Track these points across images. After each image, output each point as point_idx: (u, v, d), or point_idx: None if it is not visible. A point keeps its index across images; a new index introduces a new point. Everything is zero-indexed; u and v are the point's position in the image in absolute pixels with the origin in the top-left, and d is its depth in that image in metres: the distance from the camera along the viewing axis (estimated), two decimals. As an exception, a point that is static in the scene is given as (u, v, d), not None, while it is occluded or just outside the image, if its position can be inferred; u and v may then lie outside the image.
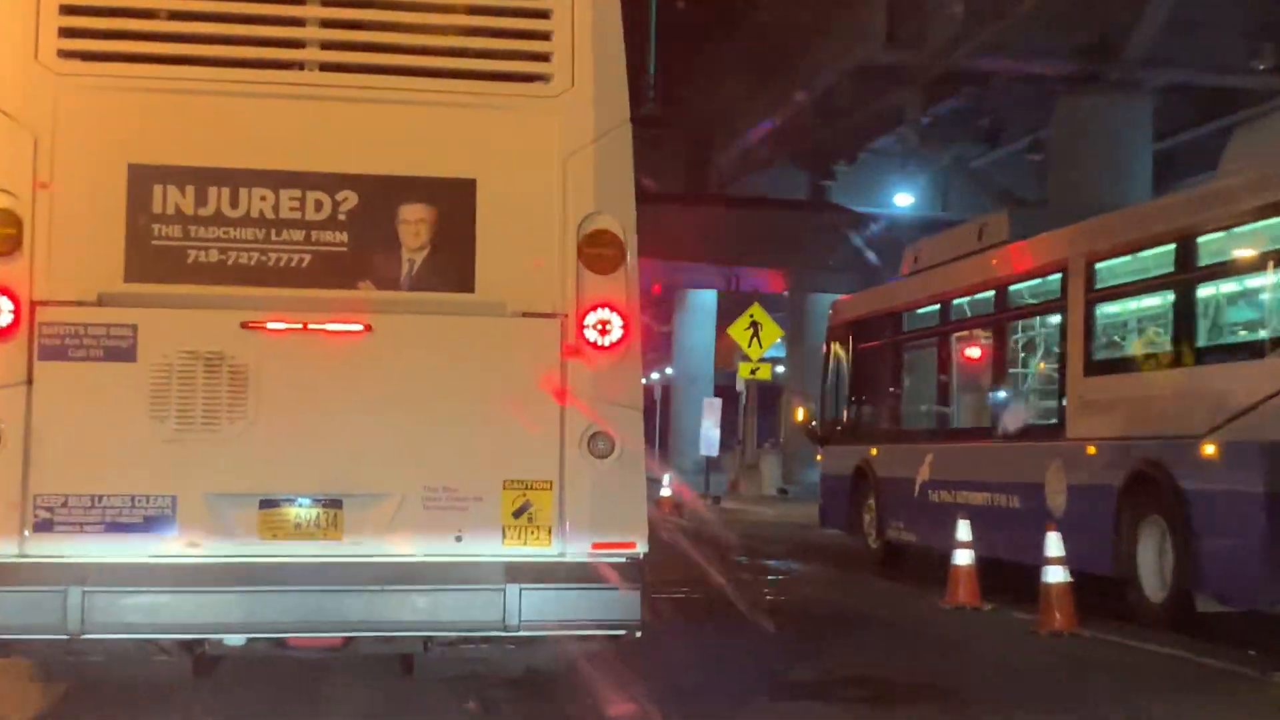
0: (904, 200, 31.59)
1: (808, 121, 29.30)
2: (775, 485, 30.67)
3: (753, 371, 23.61)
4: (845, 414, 16.16)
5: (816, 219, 32.38)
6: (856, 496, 15.29)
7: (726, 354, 32.37)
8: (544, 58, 5.91)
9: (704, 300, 41.61)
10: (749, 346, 22.82)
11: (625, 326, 5.77)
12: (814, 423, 16.86)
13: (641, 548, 5.73)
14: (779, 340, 24.51)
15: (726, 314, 46.09)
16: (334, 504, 5.55)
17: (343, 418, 5.59)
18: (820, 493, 17.11)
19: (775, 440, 36.53)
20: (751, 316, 22.86)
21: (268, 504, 5.51)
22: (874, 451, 15.04)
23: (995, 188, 28.60)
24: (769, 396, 38.11)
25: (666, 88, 32.41)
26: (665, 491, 22.74)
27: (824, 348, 16.94)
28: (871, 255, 30.31)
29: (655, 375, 43.28)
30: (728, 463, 33.40)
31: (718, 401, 25.84)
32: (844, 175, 32.05)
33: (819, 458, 17.33)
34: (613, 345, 5.76)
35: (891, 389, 15.14)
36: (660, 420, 39.53)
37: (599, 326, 5.75)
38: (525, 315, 5.75)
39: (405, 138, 5.79)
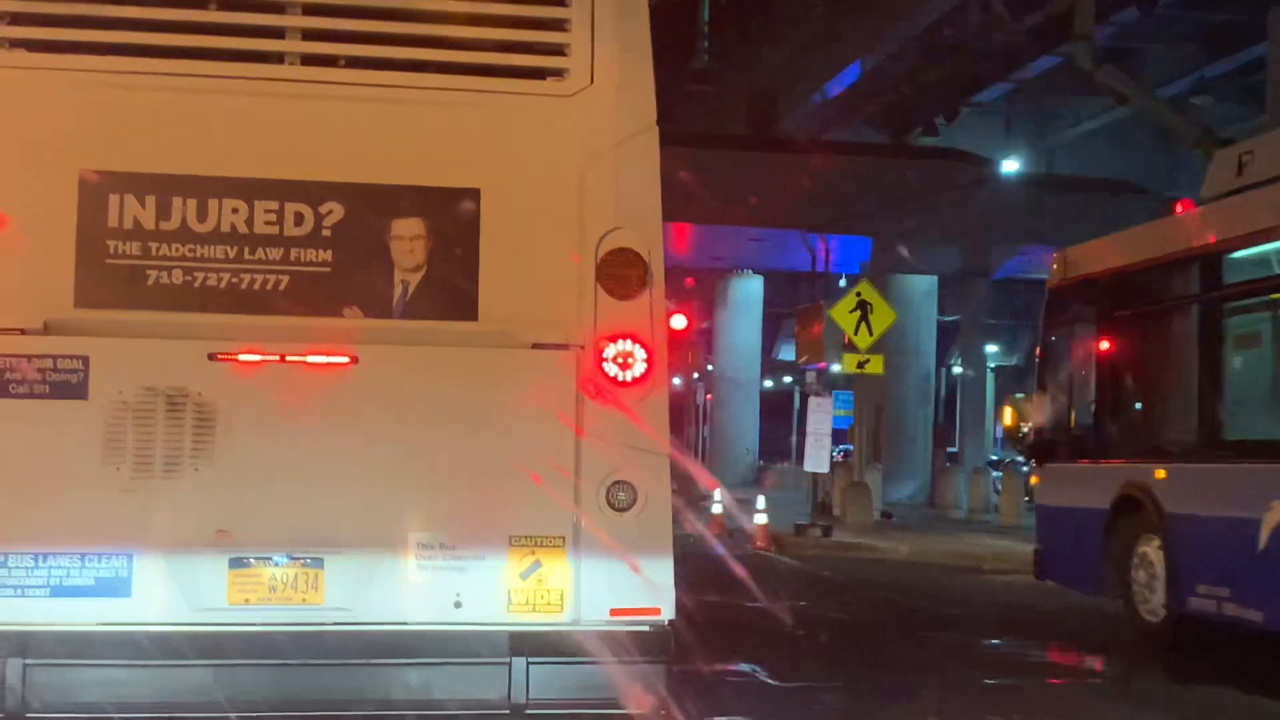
0: (1010, 166, 30.89)
1: (901, 68, 28.48)
2: (878, 509, 29.55)
3: (861, 365, 21.42)
4: (1091, 417, 12.46)
5: (939, 171, 28.89)
6: (1116, 540, 11.47)
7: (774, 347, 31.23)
8: (559, 50, 5.76)
9: (749, 290, 41.03)
10: (856, 333, 20.86)
11: (649, 359, 5.66)
12: (1025, 429, 13.30)
13: (667, 614, 5.62)
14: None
15: (772, 305, 45.71)
16: (314, 563, 5.46)
17: (325, 464, 5.49)
18: (1040, 530, 13.49)
19: (845, 453, 35.73)
20: (859, 295, 21.00)
21: (238, 563, 5.43)
22: (1160, 474, 11.06)
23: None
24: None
25: (722, 37, 31.01)
26: (717, 508, 21.86)
27: (1043, 319, 13.47)
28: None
29: (692, 376, 43.00)
30: (801, 480, 32.93)
31: (828, 401, 22.70)
32: (944, 133, 31.12)
33: (1033, 481, 14.43)
34: (635, 381, 5.64)
35: (1199, 378, 10.79)
36: (695, 425, 39.27)
37: (620, 360, 5.64)
38: (535, 347, 5.64)
39: (399, 141, 5.67)
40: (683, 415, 38.16)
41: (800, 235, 30.80)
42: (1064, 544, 12.61)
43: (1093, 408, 12.47)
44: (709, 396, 43.41)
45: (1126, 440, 11.94)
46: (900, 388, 32.22)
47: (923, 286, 33.72)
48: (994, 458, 37.44)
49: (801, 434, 26.78)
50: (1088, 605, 12.69)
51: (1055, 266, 13.32)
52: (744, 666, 9.72)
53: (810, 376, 25.79)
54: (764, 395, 46.69)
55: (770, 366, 51.85)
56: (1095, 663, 11.15)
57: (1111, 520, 11.52)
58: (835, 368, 25.79)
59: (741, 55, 32.44)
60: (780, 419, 51.06)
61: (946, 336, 39.42)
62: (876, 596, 15.16)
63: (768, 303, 42.83)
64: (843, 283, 32.04)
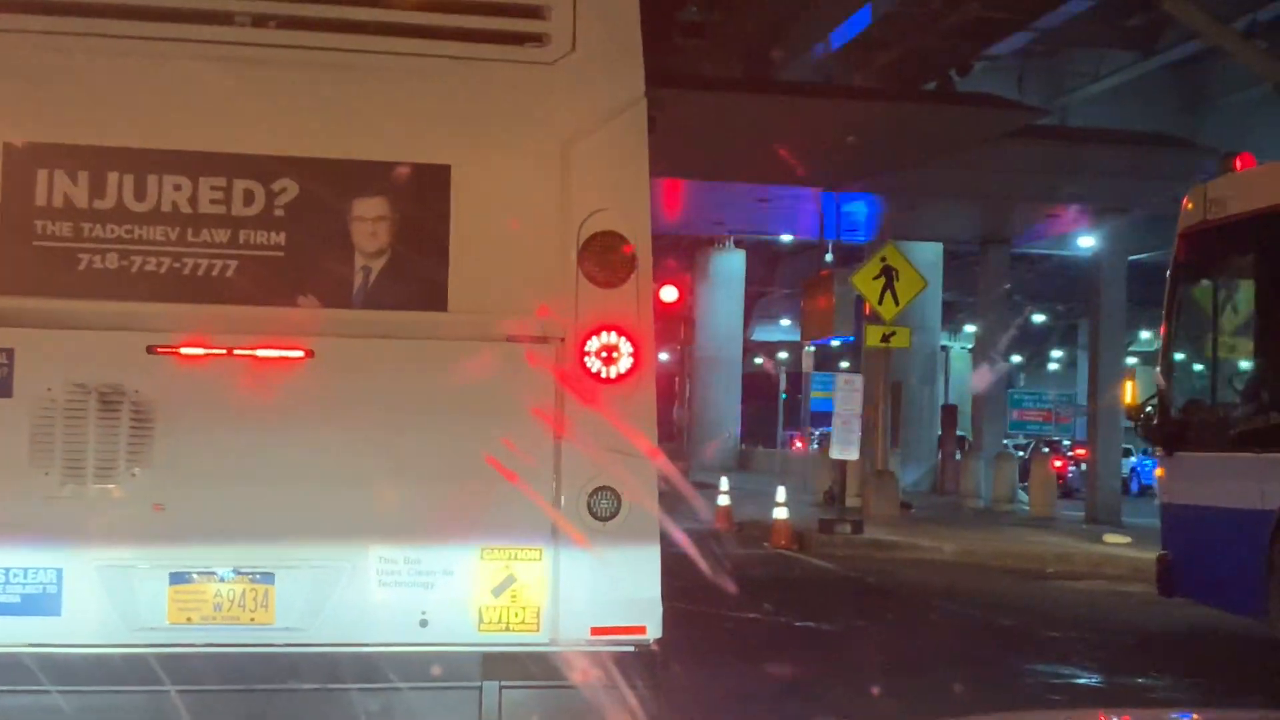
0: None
1: (913, 15, 28.04)
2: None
3: (886, 338, 20.38)
4: (1246, 393, 11.17)
5: (969, 120, 26.86)
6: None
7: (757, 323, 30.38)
8: (537, 13, 5.66)
9: (730, 265, 41.22)
10: (880, 302, 20.09)
11: (636, 353, 5.59)
12: (1149, 410, 11.79)
13: (654, 633, 5.57)
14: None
15: (761, 280, 45.53)
16: (264, 578, 5.39)
17: (277, 469, 5.41)
18: (1169, 535, 11.95)
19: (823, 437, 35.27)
20: (884, 260, 20.37)
21: (180, 578, 5.35)
22: None
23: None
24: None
25: None
26: (723, 499, 21.36)
27: (1174, 271, 11.80)
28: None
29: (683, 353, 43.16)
30: (797, 466, 32.78)
31: (858, 378, 21.71)
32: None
33: (1158, 474, 12.62)
34: (620, 377, 5.58)
35: None
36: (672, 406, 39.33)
37: (603, 353, 5.57)
38: (511, 339, 5.57)
39: (361, 113, 5.57)
40: (671, 397, 38.33)
41: (813, 195, 30.13)
42: (1206, 554, 11.12)
43: (1249, 382, 10.94)
44: (678, 378, 43.55)
45: None
46: (903, 366, 32.17)
47: (928, 256, 33.67)
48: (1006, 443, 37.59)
49: (788, 415, 26.15)
50: (1208, 623, 11.43)
51: (1191, 205, 11.71)
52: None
53: (786, 355, 25.26)
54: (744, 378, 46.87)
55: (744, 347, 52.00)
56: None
57: (1276, 529, 10.06)
58: (832, 343, 25.24)
59: (735, 2, 32.04)
60: (757, 401, 51.25)
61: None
62: (943, 610, 13.92)
63: (753, 280, 43.03)
64: (829, 257, 31.61)
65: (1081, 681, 10.63)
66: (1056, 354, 68.02)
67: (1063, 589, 16.29)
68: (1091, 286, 29.41)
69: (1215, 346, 11.46)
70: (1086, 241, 35.97)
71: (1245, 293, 11.26)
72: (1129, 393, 12.37)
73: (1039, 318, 54.15)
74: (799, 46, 30.79)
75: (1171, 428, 11.54)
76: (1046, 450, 35.34)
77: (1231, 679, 10.50)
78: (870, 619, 13.05)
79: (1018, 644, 12.05)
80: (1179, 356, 11.83)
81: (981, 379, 33.55)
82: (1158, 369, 11.90)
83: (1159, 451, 11.98)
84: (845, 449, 21.11)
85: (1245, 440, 10.66)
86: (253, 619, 5.40)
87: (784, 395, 66.89)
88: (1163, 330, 11.93)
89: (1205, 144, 25.49)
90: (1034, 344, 60.55)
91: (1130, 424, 12.89)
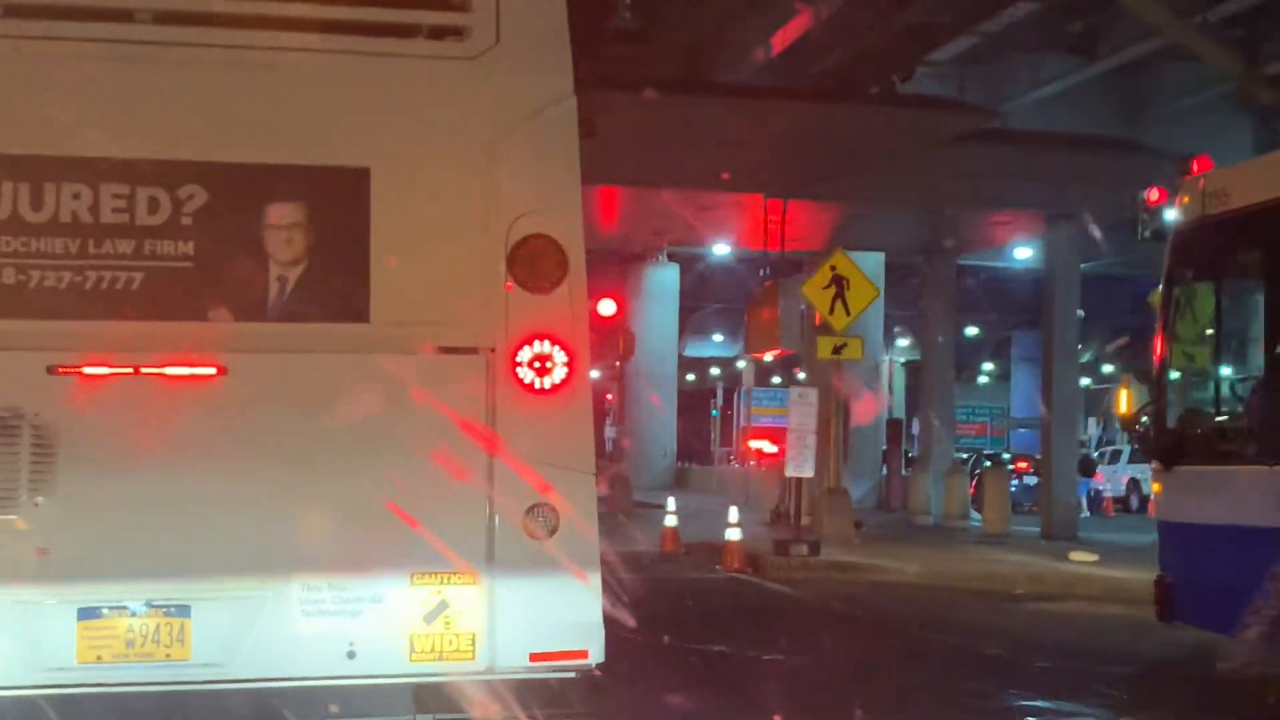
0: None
1: (858, 18, 27.93)
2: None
3: (837, 349, 20.07)
4: (1257, 402, 10.45)
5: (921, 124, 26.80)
6: None
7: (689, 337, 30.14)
8: (458, 4, 5.59)
9: (665, 279, 41.37)
10: (831, 312, 19.81)
11: (571, 363, 5.54)
12: (1143, 421, 11.16)
13: (596, 658, 5.52)
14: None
15: (694, 295, 45.77)
16: (179, 611, 5.27)
17: (190, 494, 5.28)
18: (1169, 557, 11.21)
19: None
20: (834, 269, 20.01)
21: (89, 613, 5.21)
22: None
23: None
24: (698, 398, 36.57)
25: None
26: (670, 520, 20.98)
27: (1169, 270, 11.20)
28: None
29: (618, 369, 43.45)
30: (736, 483, 32.59)
31: (812, 393, 21.12)
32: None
33: (1155, 489, 12.03)
34: (555, 388, 5.52)
35: None
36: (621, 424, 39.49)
37: (536, 363, 5.52)
38: (439, 351, 5.49)
39: (272, 113, 5.47)
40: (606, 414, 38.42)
41: (756, 203, 29.98)
42: (1213, 576, 10.40)
43: (1261, 388, 10.26)
44: (610, 398, 43.69)
45: None
46: (846, 379, 32.18)
47: (870, 267, 33.72)
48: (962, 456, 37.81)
49: (724, 432, 25.85)
50: (1206, 648, 10.68)
51: (1186, 199, 11.02)
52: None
53: (738, 367, 25.14)
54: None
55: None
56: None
57: None
58: (766, 358, 24.83)
59: (672, 8, 31.96)
60: (689, 417, 51.64)
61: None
62: (921, 639, 13.28)
63: (688, 294, 43.30)
64: (764, 272, 31.61)
65: (1068, 709, 10.26)
66: (988, 367, 68.69)
67: (1040, 612, 15.84)
68: (1044, 296, 29.52)
69: (1219, 351, 10.84)
70: (1023, 253, 36.25)
71: (1253, 292, 10.63)
72: (1124, 403, 11.25)
73: (972, 330, 54.65)
74: (737, 53, 30.85)
75: (1170, 440, 10.87)
76: (988, 464, 35.57)
77: (1246, 714, 10.01)
78: (844, 651, 12.48)
79: (1009, 676, 11.52)
80: (1177, 363, 11.11)
81: (929, 392, 33.66)
82: (1157, 378, 11.24)
83: (1156, 465, 11.27)
84: (800, 466, 20.64)
85: (1258, 452, 9.96)
86: (168, 655, 5.27)
87: (715, 412, 67.31)
88: (1157, 335, 11.32)
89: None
90: (965, 357, 61.19)
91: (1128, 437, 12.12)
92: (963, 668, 11.68)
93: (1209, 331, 10.78)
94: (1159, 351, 11.07)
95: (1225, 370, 10.69)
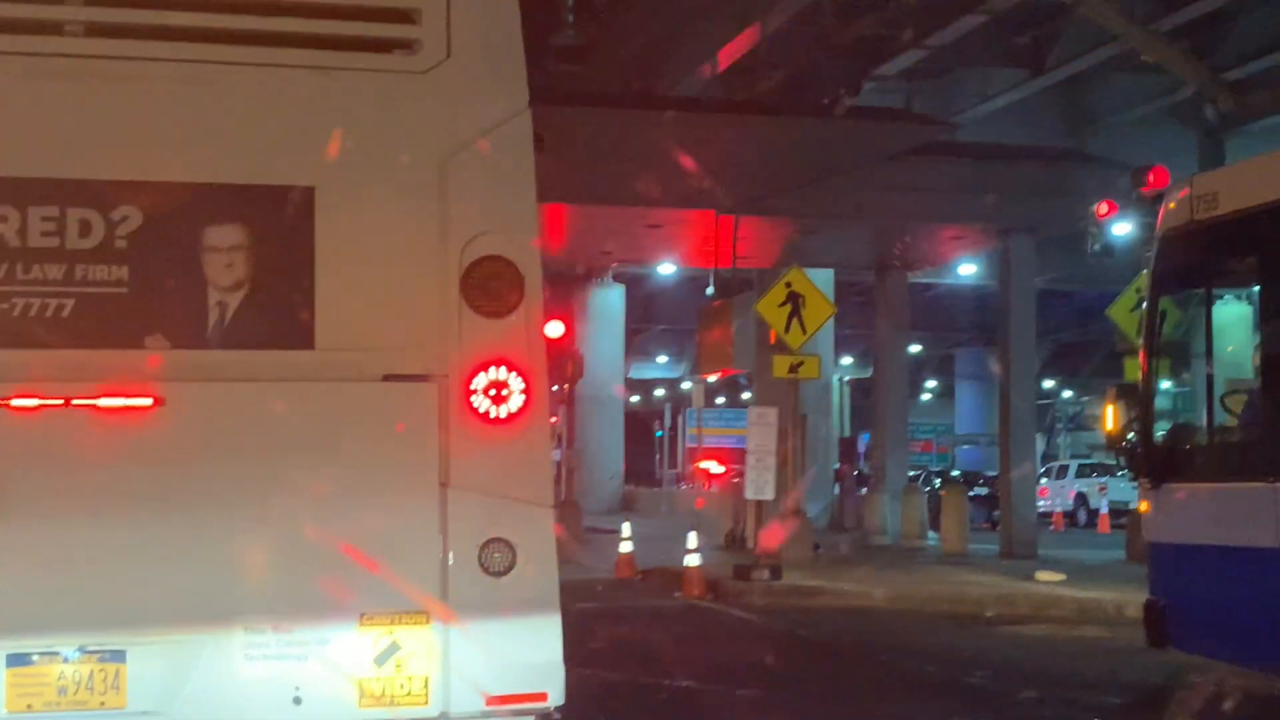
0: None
1: (805, 33, 27.91)
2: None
3: (794, 368, 19.91)
4: (1255, 414, 10.18)
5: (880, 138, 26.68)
6: None
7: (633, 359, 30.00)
8: (407, 16, 5.44)
9: (610, 300, 41.76)
10: (787, 331, 19.75)
11: (528, 390, 5.40)
12: (1129, 438, 10.77)
13: (555, 699, 5.39)
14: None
15: (638, 316, 45.95)
16: (114, 656, 5.09)
17: (125, 532, 5.10)
18: (1162, 579, 10.74)
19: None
20: (789, 286, 19.95)
21: (18, 659, 5.03)
22: None
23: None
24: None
25: (592, 4, 30.03)
26: (626, 546, 20.71)
27: (1157, 276, 10.85)
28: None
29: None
30: (686, 506, 32.38)
31: (771, 412, 21.12)
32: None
33: (1143, 508, 11.40)
34: (511, 417, 5.37)
35: None
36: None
37: (492, 391, 5.37)
38: (388, 379, 5.34)
39: (212, 131, 5.31)
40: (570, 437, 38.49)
41: (713, 219, 29.77)
42: (1211, 600, 10.00)
43: (1259, 401, 9.95)
44: (555, 420, 43.79)
45: None
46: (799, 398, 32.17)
47: (819, 284, 33.76)
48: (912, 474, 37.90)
49: (671, 454, 25.70)
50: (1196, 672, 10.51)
51: (1173, 205, 10.61)
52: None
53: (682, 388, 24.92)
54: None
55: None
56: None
57: None
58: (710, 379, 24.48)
59: (617, 24, 31.89)
60: (634, 439, 51.96)
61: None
62: (898, 668, 12.88)
63: (634, 314, 43.47)
64: (710, 290, 31.46)
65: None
66: (931, 384, 69.17)
67: (1015, 636, 15.61)
68: (999, 313, 29.55)
69: (1211, 362, 10.26)
70: (968, 270, 36.35)
71: (1248, 298, 10.39)
72: (1110, 419, 10.79)
73: (914, 347, 54.97)
74: (683, 69, 30.80)
75: (1159, 456, 10.47)
76: (939, 482, 35.57)
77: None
78: (822, 684, 12.10)
79: (1000, 709, 11.10)
80: (1165, 375, 10.80)
81: (882, 409, 33.65)
82: (1138, 388, 10.93)
83: (1144, 483, 10.82)
84: (761, 488, 20.46)
85: (1257, 467, 9.57)
86: (102, 703, 5.10)
87: (660, 433, 67.43)
88: (1143, 347, 11.01)
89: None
90: (908, 374, 61.81)
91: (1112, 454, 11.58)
92: (949, 700, 11.36)
93: (1199, 341, 10.36)
94: (1146, 364, 10.76)
95: (1218, 382, 10.24)
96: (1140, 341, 11.02)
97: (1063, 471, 45.29)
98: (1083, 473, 44.88)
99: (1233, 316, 10.45)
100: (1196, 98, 24.95)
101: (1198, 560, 10.12)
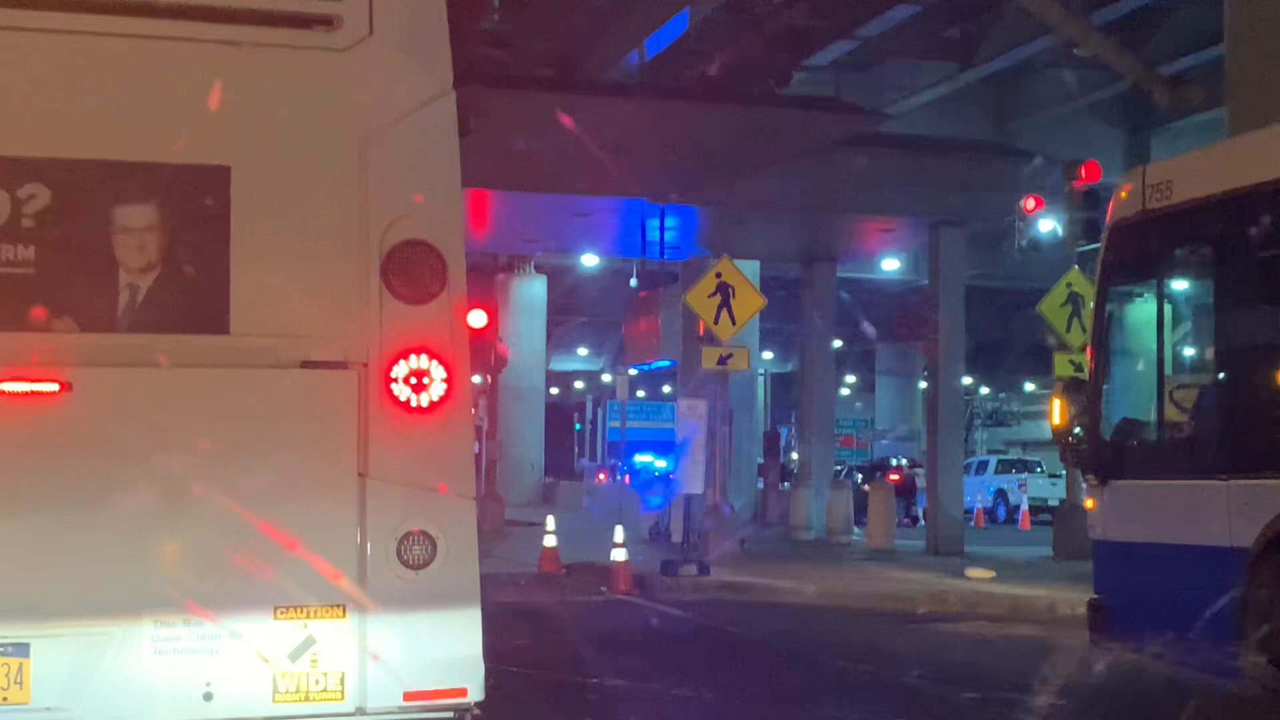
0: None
1: (733, 21, 27.89)
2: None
3: (723, 360, 20.10)
4: (1205, 411, 9.94)
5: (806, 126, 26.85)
6: (1264, 598, 8.89)
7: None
8: None
9: (533, 291, 41.65)
10: (716, 322, 19.83)
11: (450, 379, 5.37)
12: (1076, 434, 10.54)
13: (475, 695, 5.37)
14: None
15: (559, 309, 46.01)
16: (17, 650, 5.01)
17: (29, 521, 5.01)
18: (1106, 577, 10.64)
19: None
20: (719, 276, 20.05)
21: None
22: None
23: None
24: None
25: None
26: (550, 540, 20.62)
27: (1106, 268, 10.66)
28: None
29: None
30: (607, 500, 32.44)
31: (701, 404, 20.95)
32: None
33: (1089, 505, 11.34)
34: (432, 406, 5.34)
35: None
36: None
37: (413, 379, 5.34)
38: (305, 365, 5.29)
39: (124, 106, 5.22)
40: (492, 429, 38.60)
41: (643, 205, 29.65)
42: (1156, 599, 9.84)
43: (1210, 396, 9.78)
44: (479, 410, 43.82)
45: (1275, 445, 9.11)
46: (715, 392, 32.19)
47: (747, 272, 33.85)
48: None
49: (590, 447, 25.70)
50: (1139, 671, 10.33)
51: (1124, 195, 10.39)
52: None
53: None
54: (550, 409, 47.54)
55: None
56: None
57: (1257, 568, 8.82)
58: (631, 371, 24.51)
59: (542, 9, 31.70)
60: (553, 432, 52.18)
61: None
62: (832, 668, 12.59)
63: (556, 308, 43.49)
64: (634, 282, 31.49)
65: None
66: (850, 379, 69.64)
67: (949, 634, 15.47)
68: (926, 307, 29.71)
69: (1162, 355, 10.16)
70: (891, 264, 36.54)
71: (1202, 290, 10.31)
72: (1057, 413, 10.56)
73: (836, 343, 55.30)
74: (610, 57, 30.71)
75: (1107, 453, 10.34)
76: (860, 477, 35.68)
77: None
78: (757, 684, 11.85)
79: (944, 713, 10.82)
80: (1115, 369, 10.67)
81: (808, 404, 33.75)
82: (1086, 383, 10.76)
83: (1091, 480, 10.71)
84: (691, 482, 20.28)
85: (1206, 465, 9.50)
86: (5, 699, 5.03)
87: (579, 426, 67.50)
88: (1091, 340, 10.90)
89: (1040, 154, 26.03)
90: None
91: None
92: (888, 701, 11.14)
93: (1152, 335, 10.20)
94: (1094, 357, 10.68)
95: (1169, 376, 10.08)
96: (1073, 337, 11.01)
97: (983, 467, 45.75)
98: (1003, 469, 45.40)
99: (1186, 308, 10.45)
100: (1126, 94, 25.28)
101: (1146, 559, 10.02)
